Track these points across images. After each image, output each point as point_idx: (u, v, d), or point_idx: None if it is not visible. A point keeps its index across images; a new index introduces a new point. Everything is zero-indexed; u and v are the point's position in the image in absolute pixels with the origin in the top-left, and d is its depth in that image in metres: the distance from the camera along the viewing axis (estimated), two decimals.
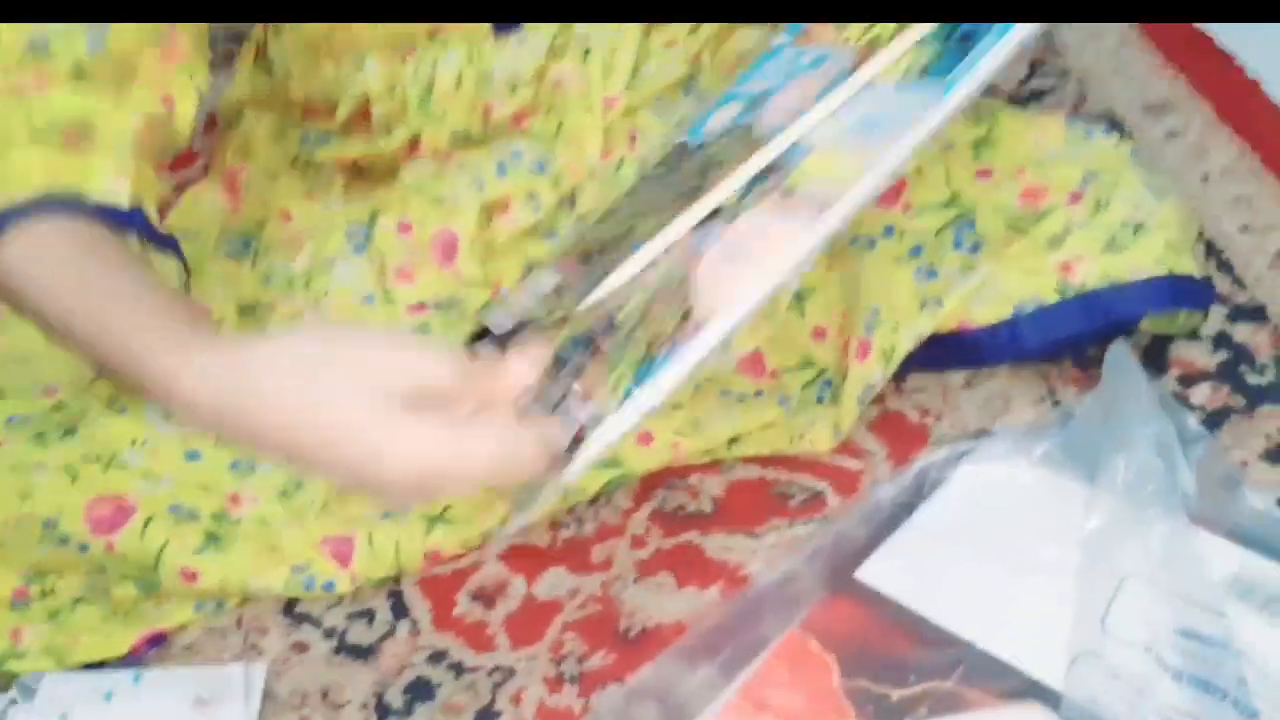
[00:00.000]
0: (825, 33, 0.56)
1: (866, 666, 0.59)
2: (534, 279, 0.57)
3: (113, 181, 0.56)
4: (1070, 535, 0.60)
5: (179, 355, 0.49)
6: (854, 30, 0.55)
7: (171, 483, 0.68)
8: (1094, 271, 0.68)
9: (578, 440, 0.47)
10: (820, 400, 0.73)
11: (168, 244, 0.60)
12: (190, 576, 0.68)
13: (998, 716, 0.55)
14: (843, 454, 0.72)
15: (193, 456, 0.70)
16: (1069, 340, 0.70)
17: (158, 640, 0.71)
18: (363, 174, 0.76)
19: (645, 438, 0.72)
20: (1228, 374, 0.71)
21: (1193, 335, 0.73)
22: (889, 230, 0.71)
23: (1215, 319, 0.74)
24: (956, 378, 0.75)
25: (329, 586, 0.70)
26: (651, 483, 0.74)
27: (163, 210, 0.64)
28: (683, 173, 0.54)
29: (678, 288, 0.48)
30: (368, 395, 0.45)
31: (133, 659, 0.70)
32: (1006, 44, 0.48)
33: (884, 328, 0.69)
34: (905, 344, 0.69)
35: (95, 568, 0.69)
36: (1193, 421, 0.65)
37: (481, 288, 0.74)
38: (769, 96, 0.55)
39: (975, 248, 0.69)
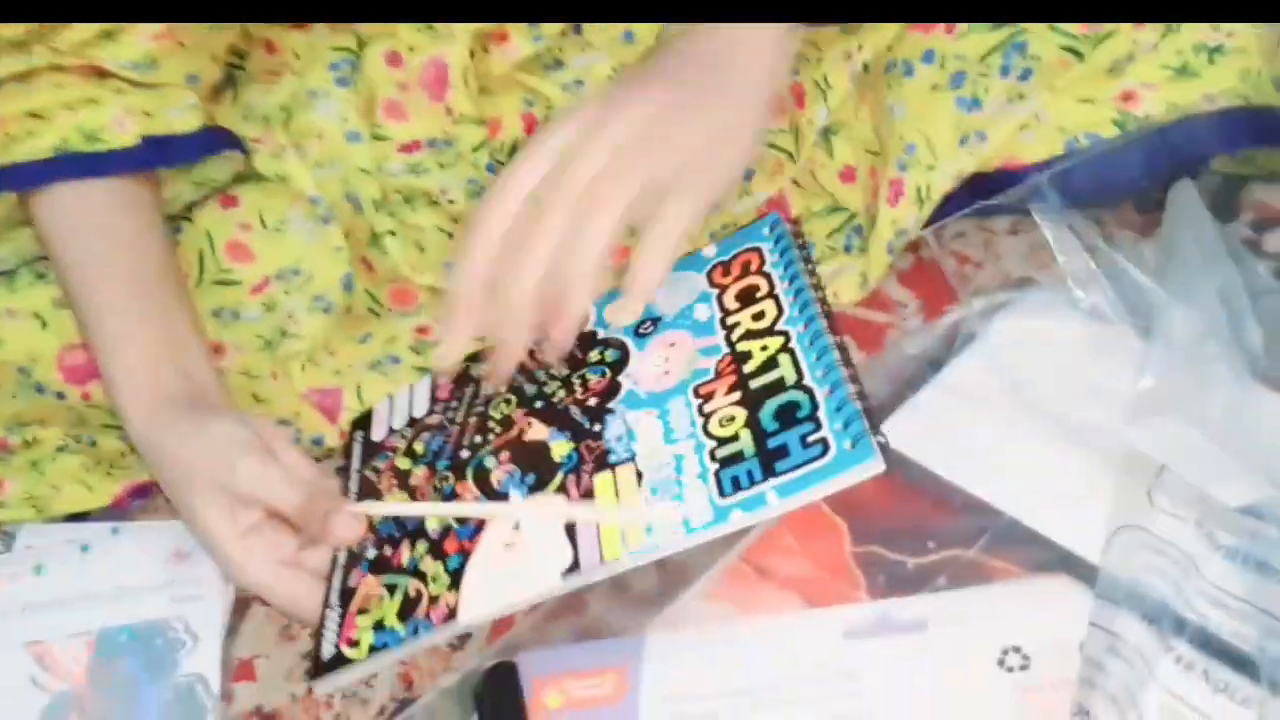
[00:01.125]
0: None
1: (881, 533, 0.54)
2: (417, 390, 0.63)
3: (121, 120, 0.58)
4: (1119, 396, 0.53)
5: (138, 396, 0.58)
6: (749, 324, 0.56)
7: None
8: (1159, 103, 0.59)
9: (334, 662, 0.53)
10: (848, 249, 0.67)
11: (213, 146, 0.62)
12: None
13: (1024, 588, 0.50)
14: (870, 306, 0.66)
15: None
16: (1128, 182, 0.62)
17: (143, 492, 0.68)
18: None
19: None
20: None
21: (1272, 177, 0.65)
22: (928, 55, 0.63)
23: None
24: (1000, 223, 0.68)
25: (318, 441, 0.66)
26: None
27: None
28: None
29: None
30: (228, 515, 0.55)
31: (116, 511, 0.67)
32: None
33: (919, 166, 0.62)
34: (943, 183, 0.62)
35: (76, 418, 0.65)
36: (1264, 271, 0.58)
37: (476, 126, 0.67)
38: (656, 324, 0.59)
39: (1025, 75, 0.60)
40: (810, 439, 0.48)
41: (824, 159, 0.67)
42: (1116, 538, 0.48)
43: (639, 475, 0.51)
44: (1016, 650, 0.48)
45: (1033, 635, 0.48)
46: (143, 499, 0.68)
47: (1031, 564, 0.51)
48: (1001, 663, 0.48)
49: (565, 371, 0.59)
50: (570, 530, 0.51)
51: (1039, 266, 0.65)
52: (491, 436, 0.58)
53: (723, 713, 0.50)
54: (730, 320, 0.57)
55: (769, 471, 0.48)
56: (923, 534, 0.54)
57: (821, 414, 0.49)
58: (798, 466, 0.47)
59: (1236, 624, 0.46)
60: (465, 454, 0.58)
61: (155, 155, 0.60)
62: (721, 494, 0.49)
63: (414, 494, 0.58)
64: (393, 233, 0.66)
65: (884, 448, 0.47)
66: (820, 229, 0.68)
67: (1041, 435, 0.55)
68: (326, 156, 0.65)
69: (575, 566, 0.49)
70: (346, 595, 0.54)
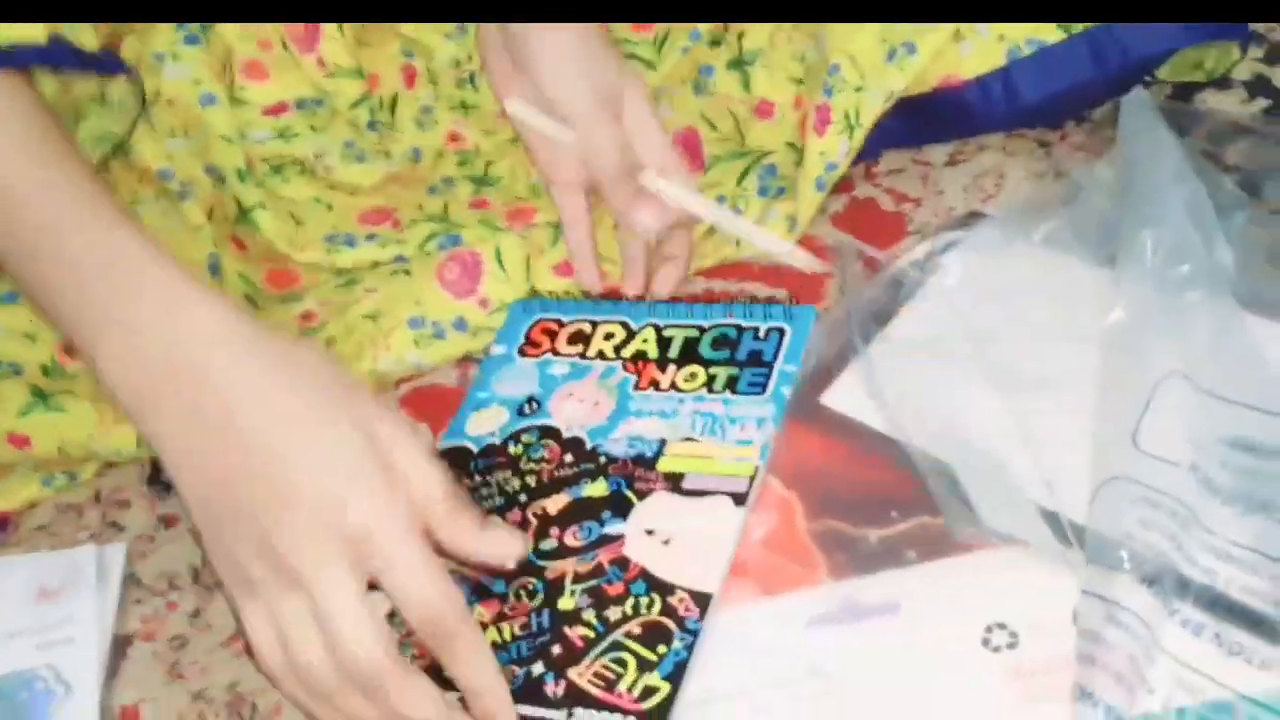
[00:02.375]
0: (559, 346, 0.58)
1: (838, 506, 0.49)
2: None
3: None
4: (1086, 333, 0.48)
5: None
6: (607, 345, 0.56)
7: None
8: None
9: None
10: (763, 192, 0.60)
11: (111, 67, 0.52)
12: (20, 441, 0.57)
13: (1004, 557, 0.45)
14: (806, 251, 0.60)
15: (8, 299, 0.57)
16: (1075, 92, 0.56)
17: (1, 523, 0.60)
18: None
19: (566, 268, 0.60)
20: (1268, 126, 0.58)
21: (1223, 81, 0.60)
22: None
23: (1250, 60, 0.61)
24: (938, 153, 0.62)
25: None
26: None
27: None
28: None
29: None
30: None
31: None
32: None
33: (845, 88, 0.56)
34: (872, 105, 0.56)
35: None
36: (1229, 185, 0.53)
37: (352, 79, 0.60)
38: (541, 400, 0.56)
39: None
40: None
41: (737, 92, 0.61)
42: (1102, 492, 0.43)
43: None
44: (1002, 627, 0.43)
45: (1019, 609, 0.43)
46: (1, 531, 0.60)
47: (1010, 529, 0.45)
48: (986, 642, 0.42)
49: None
50: None
51: (984, 198, 0.59)
52: None
53: None
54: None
55: None
56: (884, 503, 0.48)
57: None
58: None
59: (1246, 577, 0.40)
60: None
61: (62, 55, 0.50)
62: None
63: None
64: (263, 205, 0.58)
65: None
66: (728, 175, 0.61)
67: (1004, 386, 0.49)
68: (179, 125, 0.58)
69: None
70: None
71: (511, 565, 0.46)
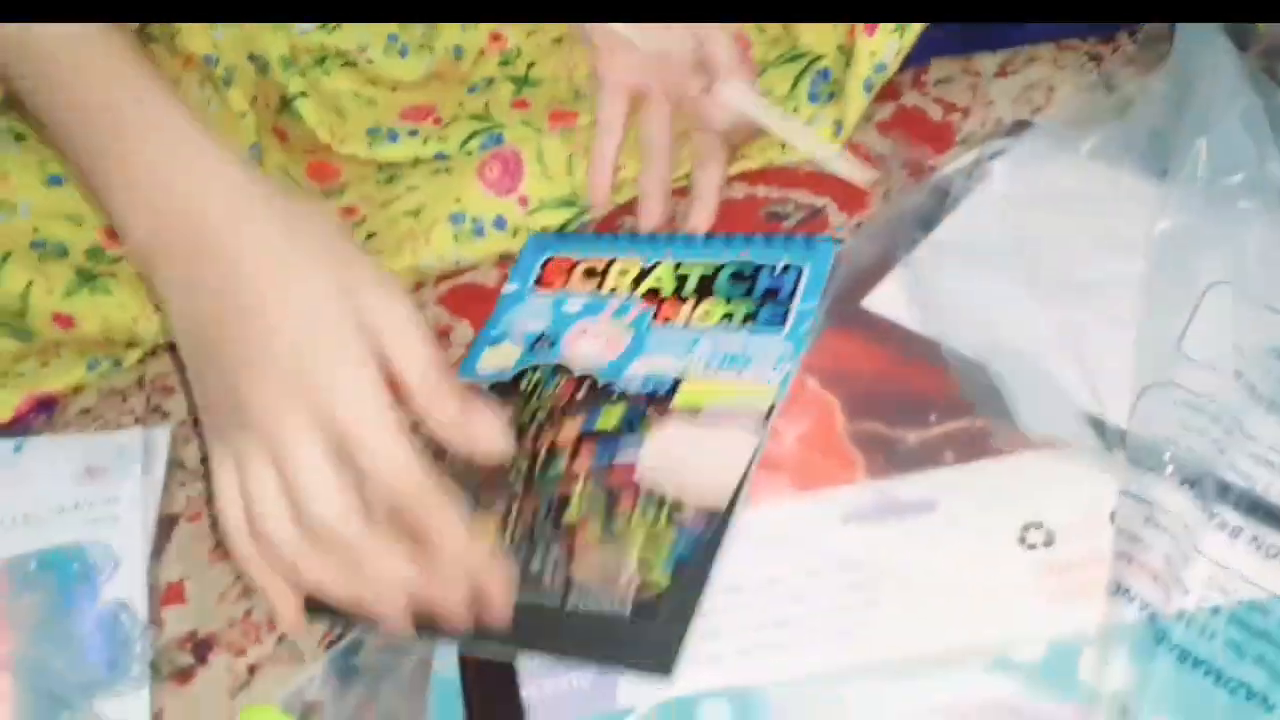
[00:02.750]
0: (572, 283, 0.57)
1: (877, 407, 0.49)
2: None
3: None
4: (1133, 243, 0.48)
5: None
6: (622, 281, 0.56)
7: (30, 212, 0.56)
8: None
9: None
10: (814, 98, 0.60)
11: None
12: (65, 322, 0.57)
13: (1042, 459, 0.45)
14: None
15: (54, 181, 0.57)
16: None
17: (47, 405, 0.61)
18: None
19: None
20: None
21: None
22: None
23: None
24: (988, 63, 0.62)
25: None
26: (620, 211, 0.62)
27: None
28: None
29: None
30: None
31: (19, 427, 0.60)
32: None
33: None
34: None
35: None
36: None
37: None
38: (554, 338, 0.55)
39: None
40: None
41: None
42: (1145, 396, 0.43)
43: None
44: (1038, 526, 0.43)
45: (1056, 509, 0.43)
46: (48, 412, 0.61)
47: (1051, 431, 0.45)
48: (1023, 540, 0.43)
49: None
50: None
51: (1033, 109, 0.59)
52: None
53: (716, 612, 0.45)
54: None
55: None
56: (923, 406, 0.48)
57: None
58: None
59: None
60: None
61: None
62: None
63: None
64: (305, 94, 0.58)
65: None
66: (780, 81, 0.61)
67: (1049, 292, 0.49)
68: None
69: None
70: None
71: (492, 457, 0.44)
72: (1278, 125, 0.50)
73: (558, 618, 0.45)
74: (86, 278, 0.57)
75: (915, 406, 0.49)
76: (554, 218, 0.61)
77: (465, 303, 0.61)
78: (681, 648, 0.43)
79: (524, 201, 0.61)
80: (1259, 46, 0.57)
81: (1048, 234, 0.52)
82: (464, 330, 0.60)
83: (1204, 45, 0.52)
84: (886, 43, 0.56)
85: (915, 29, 0.56)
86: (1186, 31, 0.53)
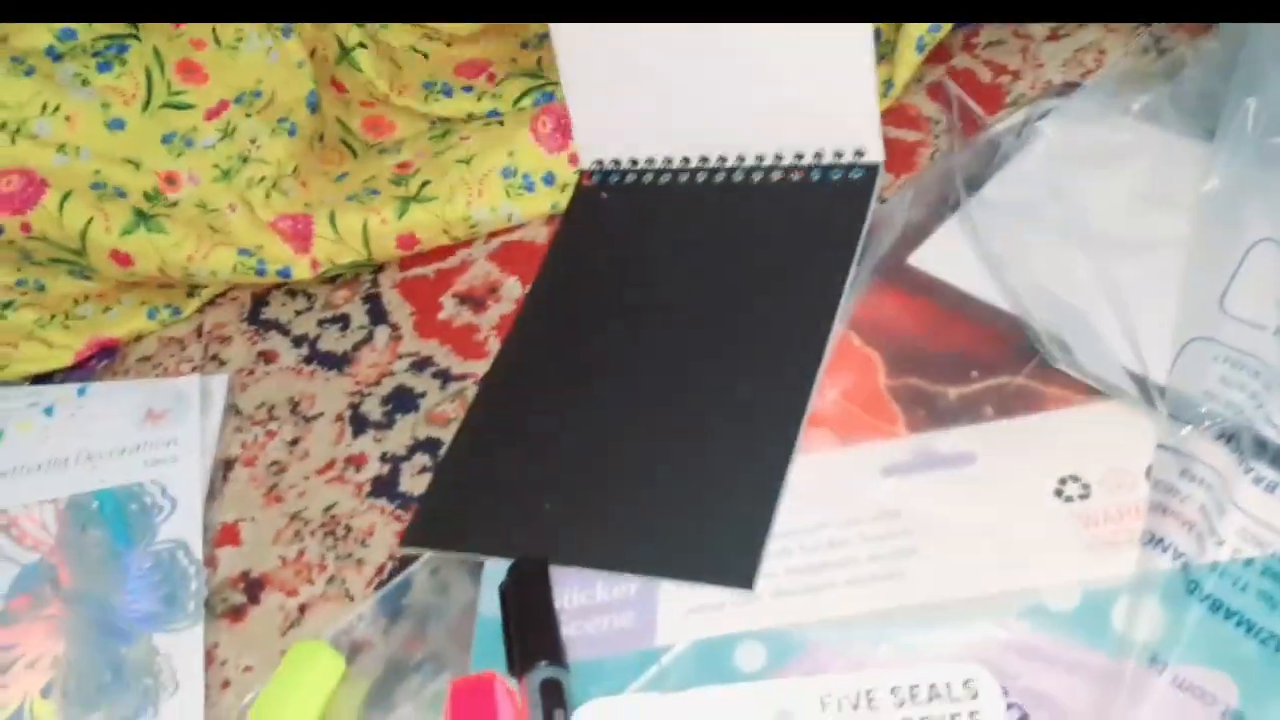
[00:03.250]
0: None
1: (919, 363, 0.50)
2: None
3: None
4: (1181, 201, 0.48)
5: None
6: None
7: (92, 156, 0.58)
8: None
9: None
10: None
11: None
12: (123, 260, 0.59)
13: (1081, 414, 0.46)
14: (898, 123, 0.60)
15: (116, 125, 0.59)
16: None
17: (109, 350, 0.63)
18: None
19: None
20: None
21: None
22: None
23: None
24: (1039, 27, 0.61)
25: (285, 273, 0.60)
26: None
27: None
28: None
29: None
30: None
31: (82, 372, 0.62)
32: None
33: None
34: None
35: (20, 255, 0.59)
36: None
37: None
38: None
39: None
40: None
41: None
42: (1186, 350, 0.43)
43: None
44: (1075, 479, 0.44)
45: (1093, 463, 0.44)
46: (110, 358, 0.63)
47: (1087, 388, 0.46)
48: (1060, 493, 0.43)
49: None
50: None
51: (1084, 73, 0.59)
52: None
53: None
54: None
55: None
56: (964, 362, 0.49)
57: None
58: None
59: None
60: None
61: None
62: None
63: None
64: (363, 45, 0.60)
65: None
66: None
67: (1095, 250, 0.50)
68: None
69: None
70: None
71: None
72: None
73: (638, 533, 0.46)
74: (143, 217, 0.59)
75: (957, 363, 0.49)
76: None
77: (515, 258, 0.62)
78: (761, 559, 0.44)
79: (574, 159, 0.62)
80: None
81: (1095, 192, 0.52)
82: (513, 285, 0.61)
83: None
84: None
85: None
86: None
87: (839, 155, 0.54)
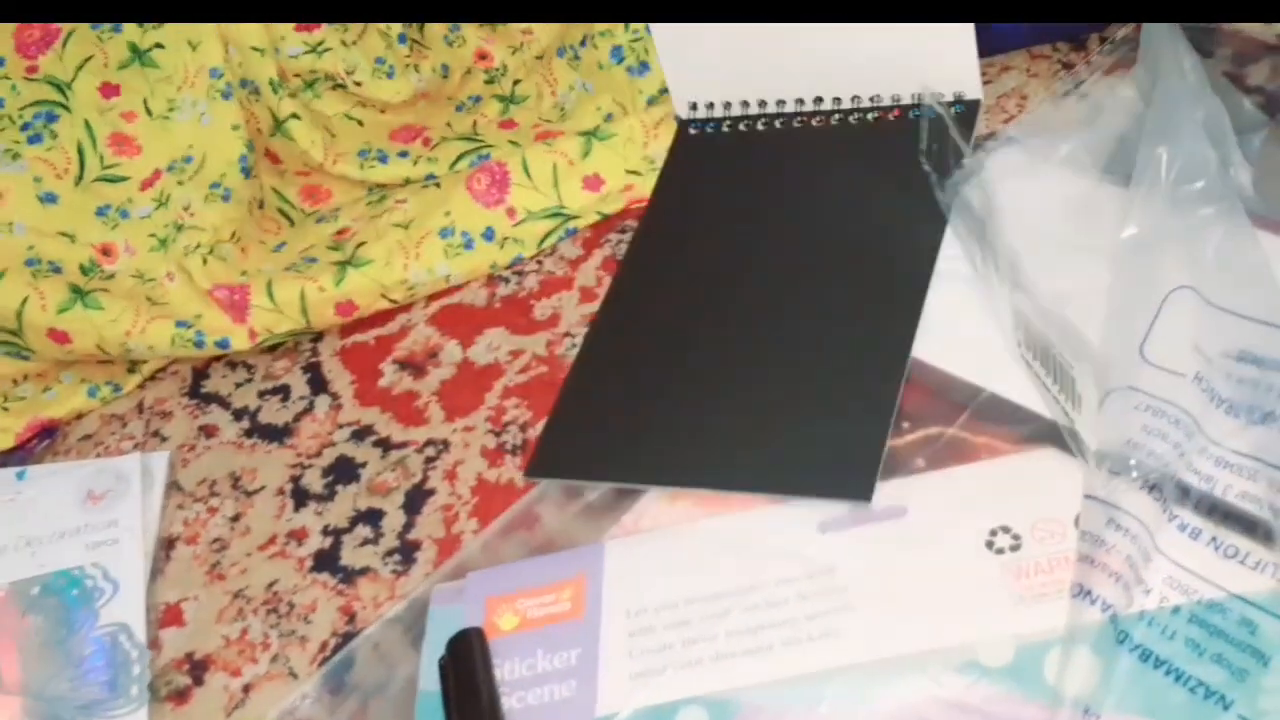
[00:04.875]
0: None
1: None
2: None
3: None
4: (1100, 249, 0.49)
5: None
6: None
7: (26, 231, 0.58)
8: None
9: None
10: None
11: None
12: (61, 338, 0.59)
13: (1010, 465, 0.46)
14: None
15: (49, 199, 0.59)
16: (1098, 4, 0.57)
17: (48, 431, 0.62)
18: None
19: (594, 182, 0.61)
20: None
21: None
22: None
23: None
24: None
25: (223, 344, 0.60)
26: (603, 228, 0.63)
27: None
28: None
29: None
30: None
31: (22, 454, 0.62)
32: None
33: None
34: None
35: None
36: (1249, 105, 0.53)
37: None
38: None
39: None
40: None
41: None
42: (1108, 401, 0.44)
43: None
44: (1006, 530, 0.44)
45: (1023, 513, 0.44)
46: (50, 439, 0.62)
47: (1017, 438, 0.46)
48: (990, 544, 0.44)
49: None
50: None
51: (1007, 118, 0.60)
52: None
53: (692, 620, 0.46)
54: None
55: None
56: (898, 415, 0.49)
57: None
58: None
59: (1244, 484, 0.42)
60: None
61: None
62: None
63: None
64: (296, 116, 0.60)
65: None
66: None
67: (1020, 298, 0.50)
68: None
69: None
70: None
71: None
72: (1241, 130, 0.51)
73: (756, 455, 0.48)
74: (80, 293, 0.59)
75: None
76: (541, 227, 0.62)
77: (454, 321, 0.62)
78: (878, 473, 0.46)
79: (511, 213, 0.62)
80: (1224, 50, 0.57)
81: (1019, 240, 0.52)
82: (453, 349, 0.61)
83: (1166, 52, 0.52)
84: None
85: None
86: (1150, 37, 0.53)
87: (939, 97, 0.56)
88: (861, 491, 0.46)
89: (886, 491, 0.47)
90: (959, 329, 0.51)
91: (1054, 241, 0.52)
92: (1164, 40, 0.53)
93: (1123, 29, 0.60)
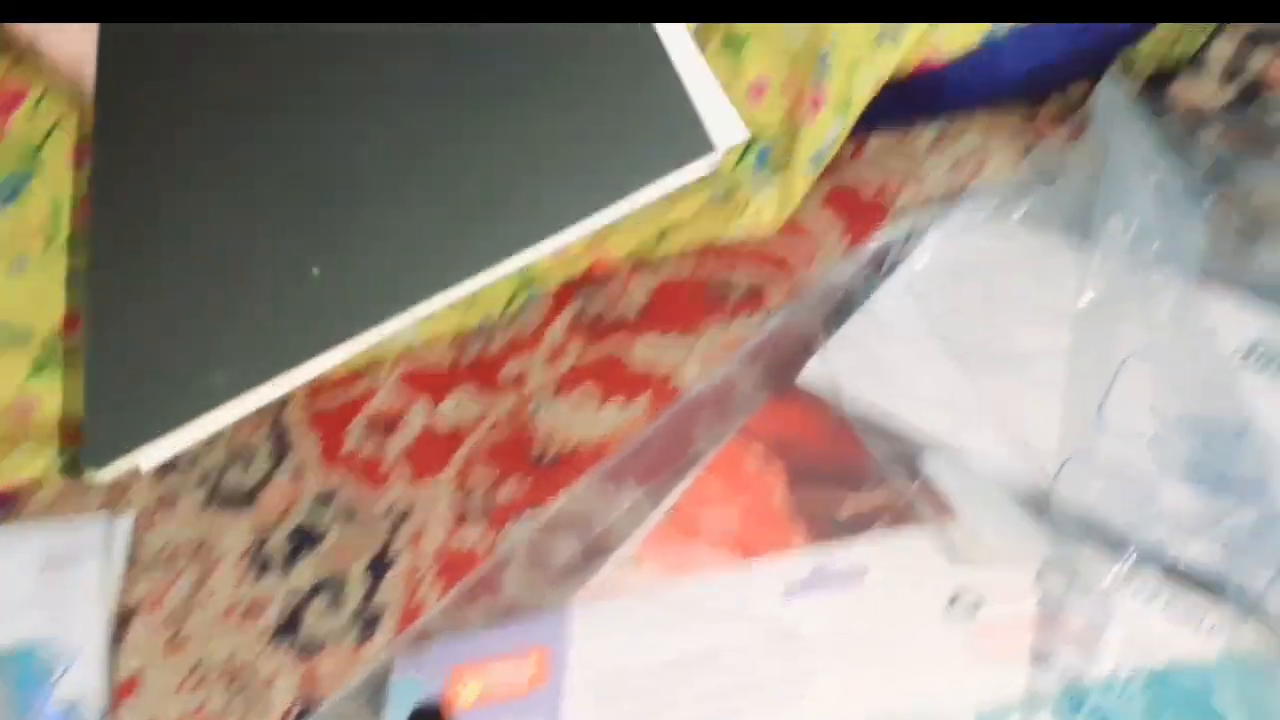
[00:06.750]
0: None
1: (815, 476, 0.50)
2: None
3: None
4: (1059, 312, 0.49)
5: None
6: None
7: None
8: None
9: None
10: (760, 167, 0.61)
11: None
12: (26, 409, 0.58)
13: (972, 528, 0.46)
14: (790, 235, 0.61)
15: (18, 267, 0.59)
16: (1054, 67, 0.58)
17: (7, 500, 0.62)
18: None
19: None
20: (1241, 110, 0.59)
21: (1197, 68, 0.61)
22: None
23: (1225, 47, 0.62)
24: (924, 137, 0.63)
25: None
26: (569, 288, 0.63)
27: None
28: None
29: None
30: None
31: None
32: None
33: (837, 72, 0.57)
34: (864, 88, 0.57)
35: None
36: (1200, 169, 0.54)
37: None
38: None
39: None
40: None
41: (729, 69, 0.62)
42: (1067, 466, 0.44)
43: None
44: (967, 593, 0.44)
45: (983, 576, 0.44)
46: (8, 507, 0.62)
47: (979, 500, 0.46)
48: (950, 608, 0.44)
49: None
50: None
51: (967, 179, 0.60)
52: None
53: (658, 687, 0.46)
54: None
55: None
56: (859, 474, 0.49)
57: None
58: None
59: (1200, 546, 0.42)
60: None
61: None
62: None
63: None
64: None
65: None
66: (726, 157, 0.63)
67: (980, 360, 0.51)
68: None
69: None
70: None
71: None
72: (1193, 193, 0.52)
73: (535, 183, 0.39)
74: (46, 362, 0.58)
75: (851, 475, 0.50)
76: (505, 289, 0.62)
77: (422, 381, 0.62)
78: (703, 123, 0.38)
79: None
80: (1175, 115, 0.59)
81: (979, 305, 0.53)
82: (419, 411, 0.61)
83: (1118, 116, 0.53)
84: (828, 127, 0.57)
85: (855, 112, 0.57)
86: (1101, 102, 0.54)
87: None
88: (704, 145, 0.37)
89: (850, 554, 0.47)
90: (920, 385, 0.51)
91: (1009, 302, 0.53)
92: (1115, 105, 0.54)
93: (1079, 92, 0.61)
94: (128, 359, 0.40)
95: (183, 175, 0.42)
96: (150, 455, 0.38)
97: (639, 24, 0.39)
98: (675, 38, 0.39)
